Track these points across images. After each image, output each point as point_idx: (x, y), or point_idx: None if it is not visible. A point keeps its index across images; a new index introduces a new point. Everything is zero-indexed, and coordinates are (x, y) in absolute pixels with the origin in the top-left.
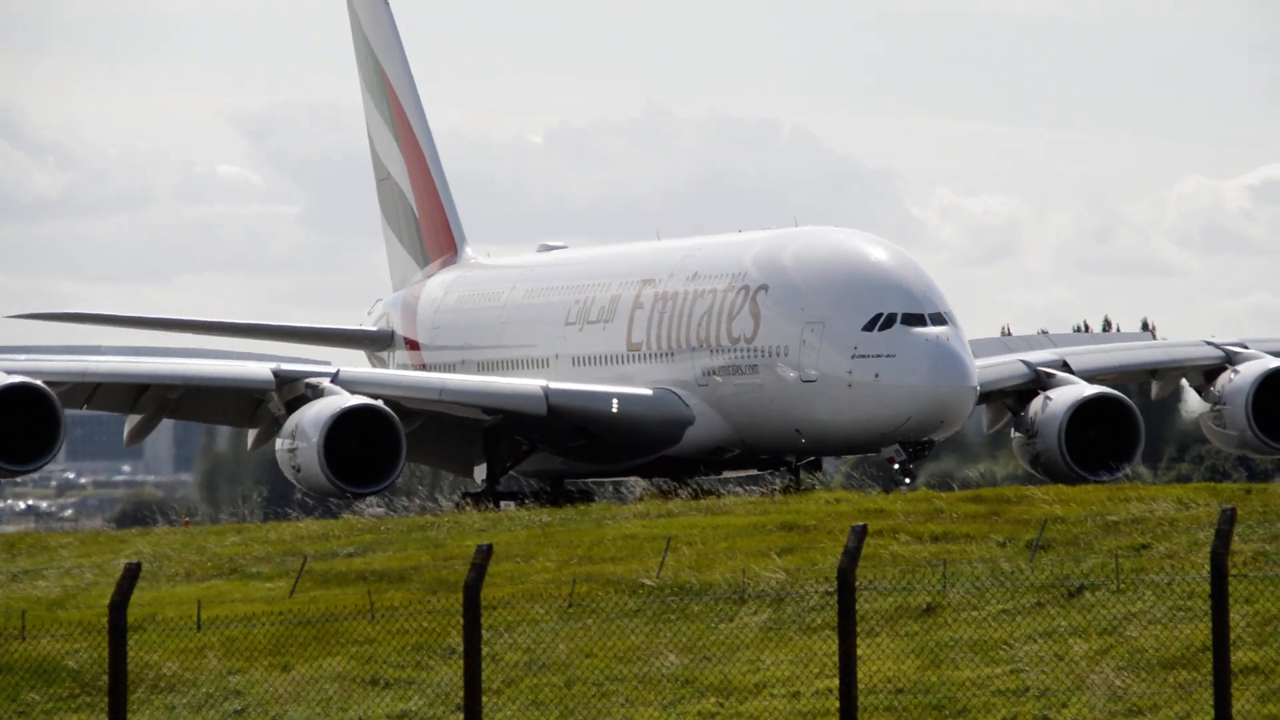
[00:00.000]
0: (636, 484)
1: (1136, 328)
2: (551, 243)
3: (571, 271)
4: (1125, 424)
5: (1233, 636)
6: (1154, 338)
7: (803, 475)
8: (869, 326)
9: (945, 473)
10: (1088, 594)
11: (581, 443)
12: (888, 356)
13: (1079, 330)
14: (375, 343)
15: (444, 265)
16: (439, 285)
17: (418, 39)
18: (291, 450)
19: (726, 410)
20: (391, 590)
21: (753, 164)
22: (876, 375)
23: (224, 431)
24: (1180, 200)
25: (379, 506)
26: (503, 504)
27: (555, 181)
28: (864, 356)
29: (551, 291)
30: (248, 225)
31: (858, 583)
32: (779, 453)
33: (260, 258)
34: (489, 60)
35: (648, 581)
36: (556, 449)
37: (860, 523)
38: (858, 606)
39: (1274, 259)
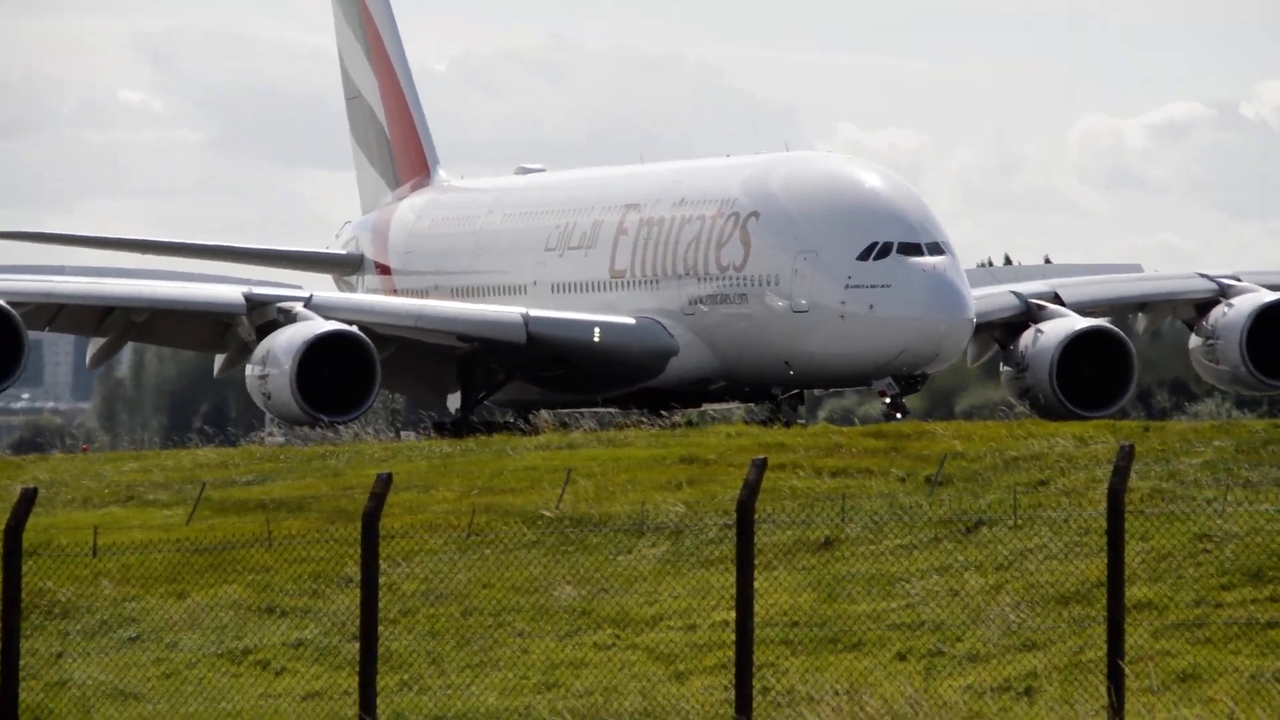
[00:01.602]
0: (538, 418)
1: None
2: (529, 165)
3: (551, 196)
4: (1118, 358)
5: (1128, 572)
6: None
7: (784, 409)
8: (864, 256)
9: (846, 408)
10: (985, 529)
11: (560, 372)
12: (883, 287)
13: (986, 265)
14: (344, 267)
15: (415, 188)
16: (410, 208)
17: None
18: (262, 377)
19: (713, 340)
20: (290, 519)
21: (656, 98)
22: (871, 306)
23: (124, 360)
24: (1083, 138)
25: (279, 436)
26: (403, 434)
27: (456, 112)
28: (858, 287)
29: (530, 216)
30: (151, 151)
31: (756, 516)
32: (766, 385)
33: (164, 184)
34: None
35: (547, 513)
36: (534, 379)
37: (760, 455)
38: (756, 540)
39: (1176, 198)
